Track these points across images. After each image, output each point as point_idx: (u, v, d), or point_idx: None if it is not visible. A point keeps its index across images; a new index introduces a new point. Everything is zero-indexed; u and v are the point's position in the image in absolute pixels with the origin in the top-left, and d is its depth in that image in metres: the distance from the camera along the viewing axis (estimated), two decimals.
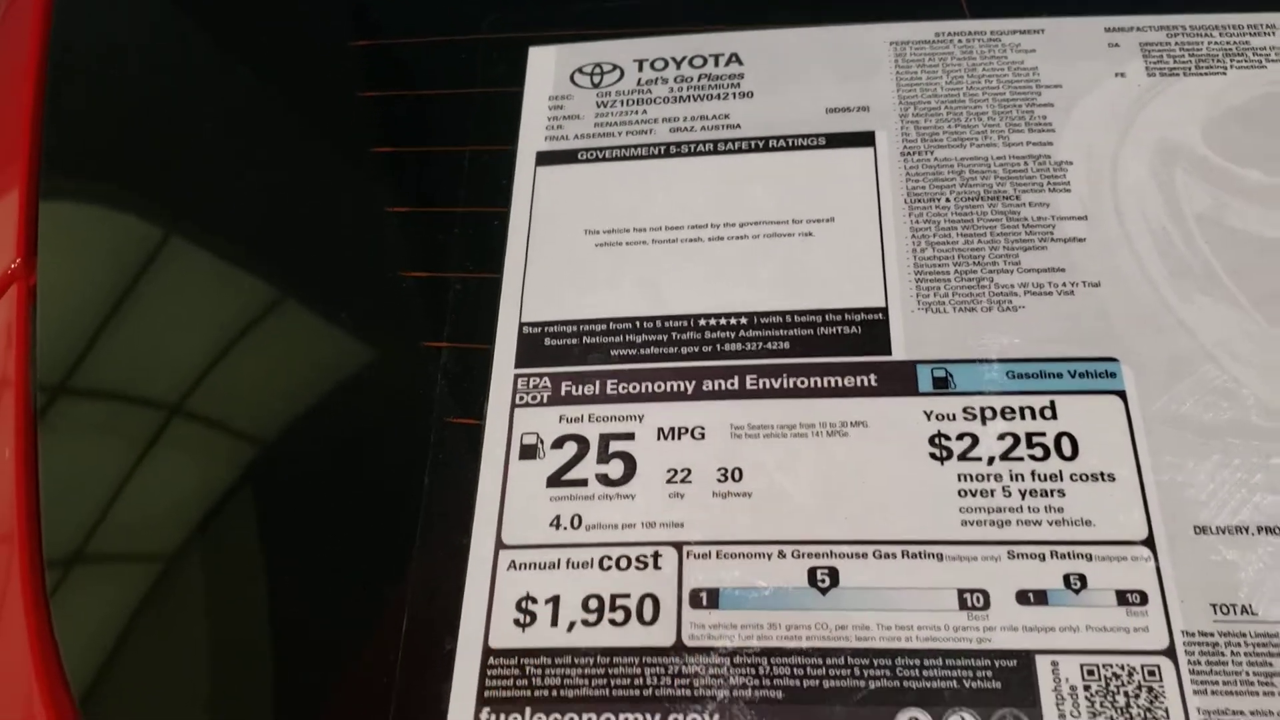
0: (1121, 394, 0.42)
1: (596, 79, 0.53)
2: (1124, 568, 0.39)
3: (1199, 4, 0.51)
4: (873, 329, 0.44)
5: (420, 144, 0.52)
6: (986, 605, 0.38)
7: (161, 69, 0.57)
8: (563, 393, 0.44)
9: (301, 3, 0.58)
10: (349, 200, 0.52)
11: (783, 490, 0.41)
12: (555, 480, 0.43)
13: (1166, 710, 0.36)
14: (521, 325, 0.46)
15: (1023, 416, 0.42)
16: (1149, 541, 0.39)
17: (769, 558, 0.40)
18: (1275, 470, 0.40)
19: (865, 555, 0.40)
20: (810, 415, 0.43)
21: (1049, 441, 0.41)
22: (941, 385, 0.43)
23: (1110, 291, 0.44)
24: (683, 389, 0.44)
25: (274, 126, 0.55)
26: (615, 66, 0.53)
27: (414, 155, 0.52)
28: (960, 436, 0.42)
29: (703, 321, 0.45)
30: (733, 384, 0.44)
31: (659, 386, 0.44)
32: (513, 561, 0.41)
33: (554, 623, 0.40)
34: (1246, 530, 0.39)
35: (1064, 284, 0.44)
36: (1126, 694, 0.37)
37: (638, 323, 0.46)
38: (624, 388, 0.44)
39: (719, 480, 0.42)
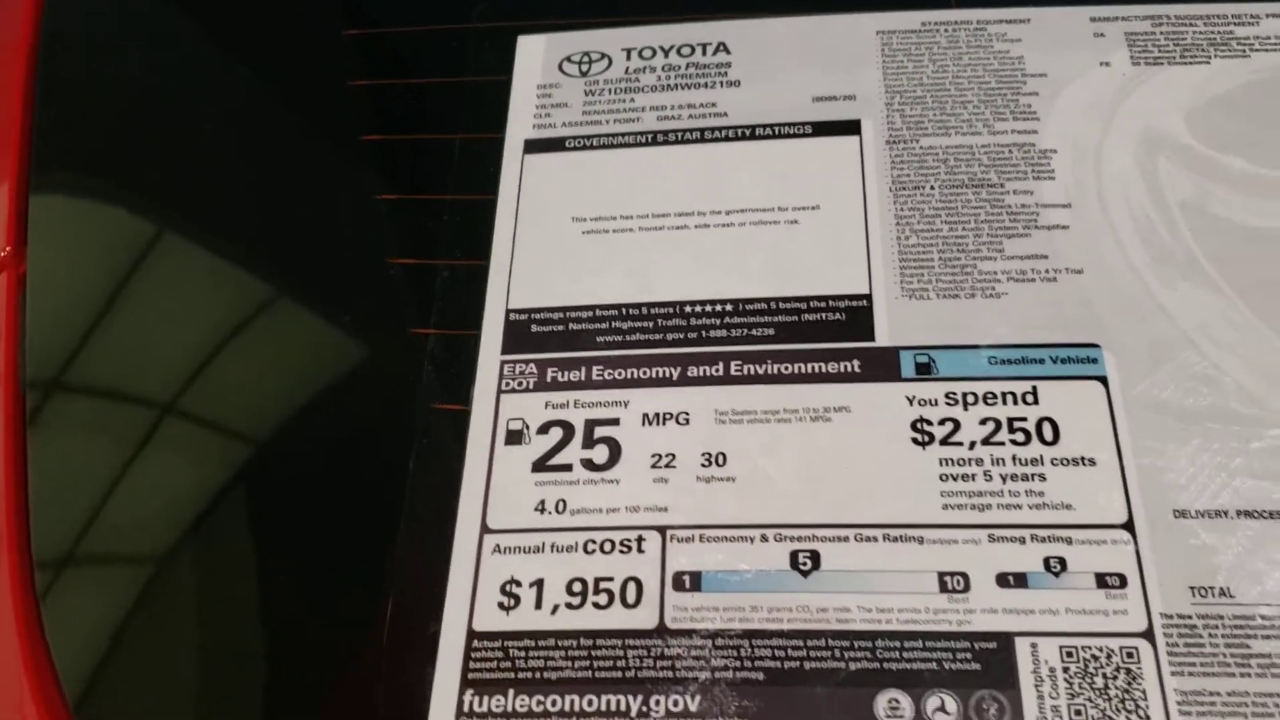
0: (1103, 379, 0.42)
1: (585, 68, 0.53)
2: (1104, 551, 0.39)
3: None
4: (857, 316, 0.45)
5: (409, 132, 0.53)
6: (966, 588, 0.39)
7: (152, 58, 0.57)
8: (549, 379, 0.45)
9: None
10: (338, 188, 0.52)
11: (766, 475, 0.42)
12: (540, 465, 0.43)
13: (1144, 692, 0.37)
14: (508, 312, 0.46)
15: (1004, 402, 0.42)
16: (1129, 525, 0.39)
17: (751, 541, 0.40)
18: (1254, 455, 0.40)
19: (847, 539, 0.40)
20: (794, 401, 0.43)
21: (1030, 426, 0.41)
22: (924, 371, 0.43)
23: (1093, 278, 0.44)
24: (668, 375, 0.44)
25: (265, 115, 0.55)
26: (603, 55, 0.53)
27: (403, 143, 0.52)
28: (942, 421, 0.42)
29: (689, 308, 0.46)
30: (718, 370, 0.44)
31: (644, 373, 0.44)
32: (497, 545, 0.41)
33: (538, 605, 0.40)
34: (1225, 514, 0.39)
35: (1047, 271, 0.45)
36: (1105, 675, 0.37)
37: (624, 310, 0.46)
38: (610, 374, 0.44)
39: (703, 465, 0.42)
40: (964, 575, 0.39)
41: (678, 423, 0.43)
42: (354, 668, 0.39)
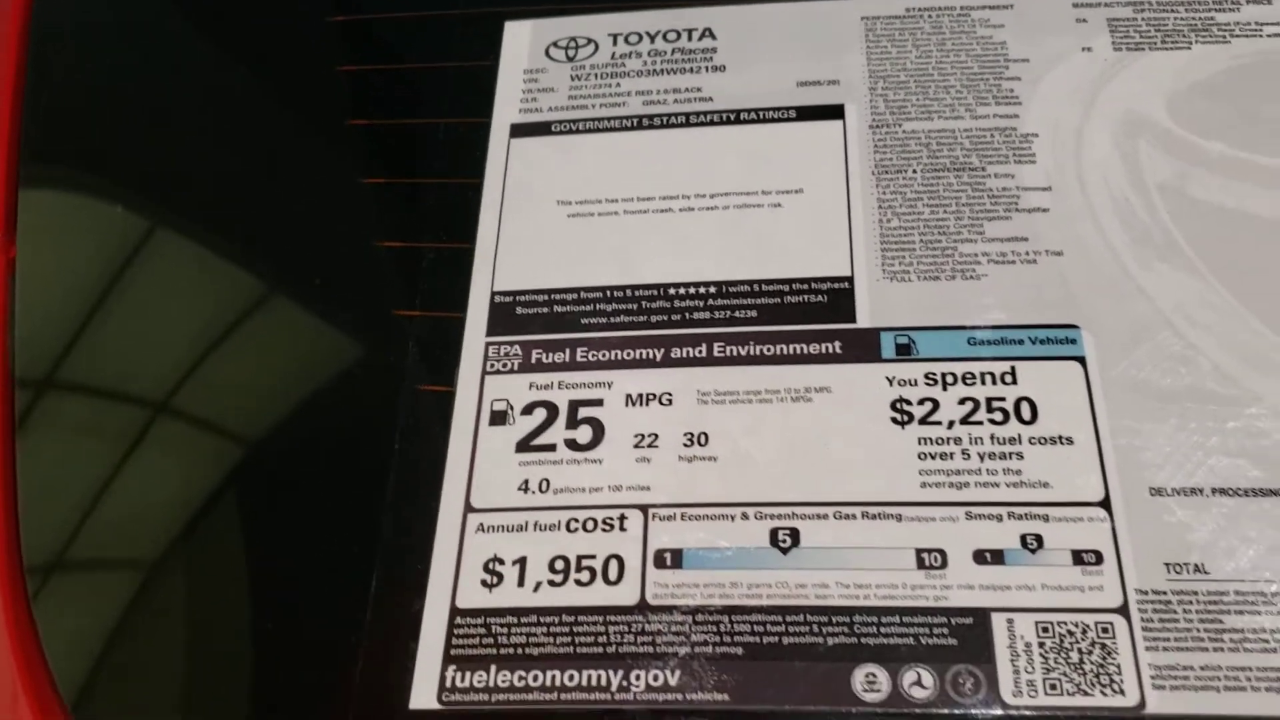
0: (1081, 360, 0.43)
1: (571, 53, 0.53)
2: (1080, 528, 0.39)
3: None
4: (838, 298, 0.45)
5: (396, 117, 0.53)
6: (944, 564, 0.39)
7: (139, 44, 0.57)
8: (533, 360, 0.45)
9: None
10: (325, 172, 0.52)
11: (747, 454, 0.42)
12: (524, 445, 0.43)
13: (1119, 666, 0.37)
14: (493, 294, 0.47)
15: (983, 382, 0.42)
16: (1105, 503, 0.40)
17: (732, 519, 0.41)
18: (1230, 434, 0.41)
19: (826, 516, 0.40)
20: (775, 381, 0.43)
21: (1009, 406, 0.42)
22: (904, 352, 0.43)
23: (1072, 260, 0.45)
24: (651, 356, 0.45)
25: (251, 101, 0.55)
26: (590, 40, 0.53)
27: (390, 128, 0.53)
28: (921, 401, 0.42)
29: (672, 291, 0.46)
30: (700, 351, 0.44)
31: (628, 354, 0.45)
32: (481, 524, 0.42)
33: (520, 583, 0.40)
34: (1201, 492, 0.40)
35: (1027, 253, 0.45)
36: (1080, 650, 0.37)
37: (608, 292, 0.46)
38: (593, 355, 0.45)
39: (685, 445, 0.42)
40: (941, 552, 0.39)
41: (660, 403, 0.43)
42: (337, 643, 0.40)
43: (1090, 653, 0.37)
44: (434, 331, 0.46)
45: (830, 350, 0.44)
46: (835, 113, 0.50)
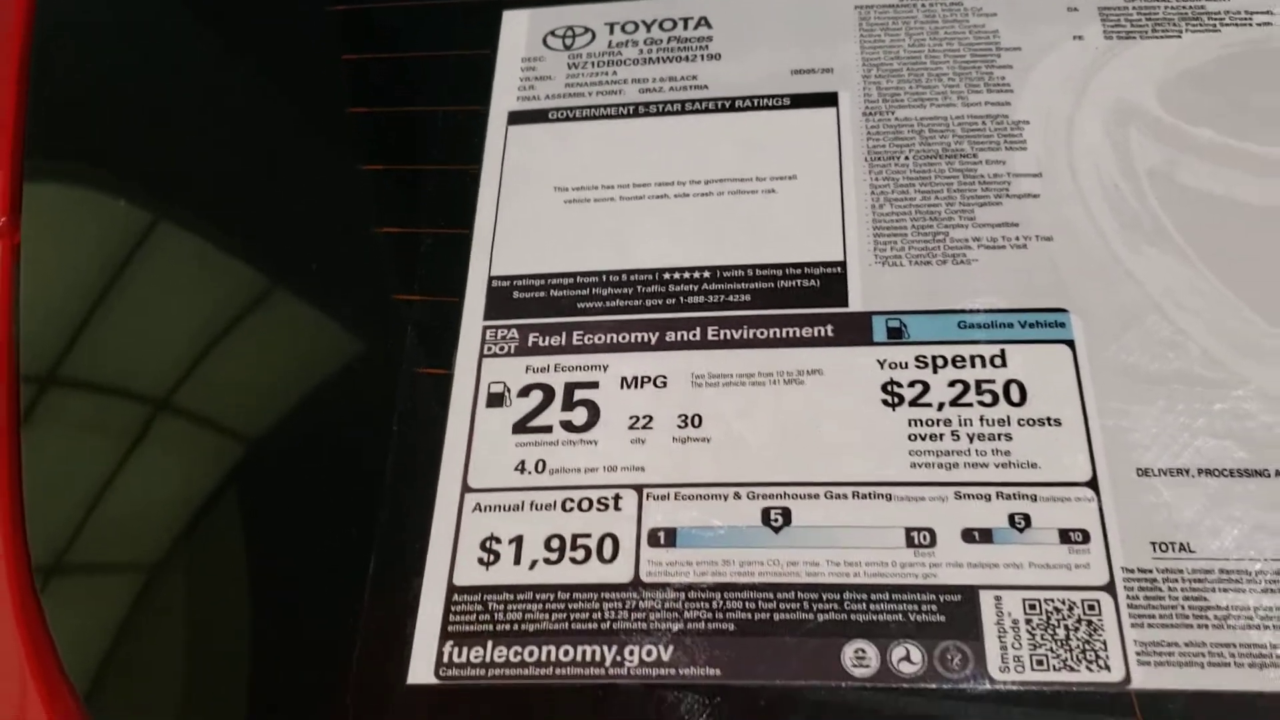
0: (1070, 343, 0.43)
1: (568, 41, 0.54)
2: (1068, 508, 0.40)
3: None
4: (831, 282, 0.45)
5: (396, 104, 0.53)
6: (933, 543, 0.40)
7: (140, 34, 0.58)
8: (530, 343, 0.46)
9: None
10: (325, 159, 0.53)
11: (740, 436, 0.43)
12: (521, 427, 0.44)
13: (1105, 642, 0.38)
14: (490, 279, 0.47)
15: (973, 365, 0.43)
16: (1092, 483, 0.40)
17: (725, 499, 0.41)
18: (1217, 416, 0.41)
19: (817, 496, 0.41)
20: (768, 364, 0.44)
21: (998, 388, 0.42)
22: (895, 335, 0.44)
23: (1061, 245, 0.45)
24: (646, 340, 0.45)
25: (254, 89, 0.56)
26: (587, 29, 0.54)
27: (390, 115, 0.53)
28: (912, 384, 0.43)
29: (667, 275, 0.47)
30: (694, 335, 0.45)
31: (623, 338, 0.45)
32: (478, 504, 0.42)
33: (516, 561, 0.41)
34: (1187, 473, 0.40)
35: (1017, 238, 0.46)
36: (1067, 627, 0.38)
37: (604, 277, 0.47)
38: (589, 339, 0.45)
39: (679, 426, 0.43)
40: (930, 531, 0.40)
41: (655, 386, 0.44)
42: (337, 619, 0.40)
43: (1076, 629, 0.38)
44: (432, 315, 0.47)
45: (823, 334, 0.44)
46: (829, 100, 0.50)
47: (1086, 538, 0.39)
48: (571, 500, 0.42)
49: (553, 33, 0.54)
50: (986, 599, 0.39)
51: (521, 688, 0.38)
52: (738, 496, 0.41)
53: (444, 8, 0.55)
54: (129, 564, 0.44)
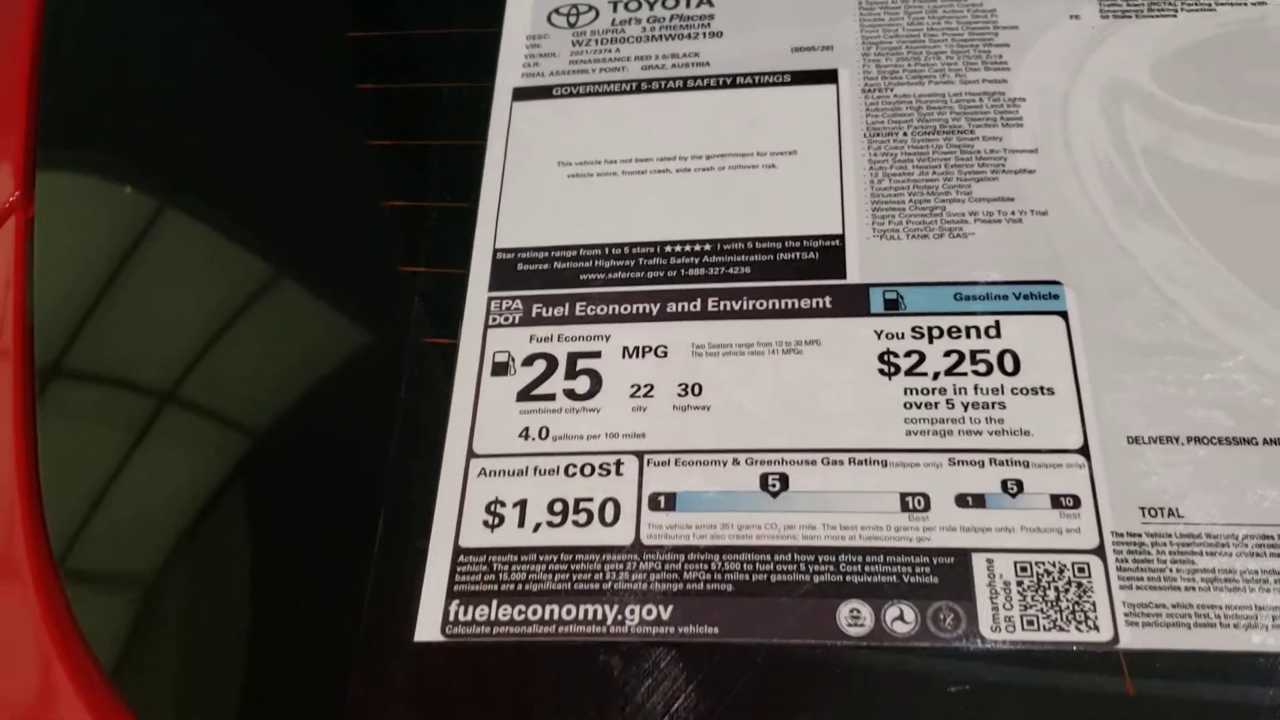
0: (1063, 314, 0.44)
1: (573, 19, 0.54)
2: (1059, 474, 0.41)
3: None
4: (829, 254, 0.46)
5: (403, 81, 0.54)
6: (927, 507, 0.41)
7: (148, 13, 0.59)
8: (533, 314, 0.47)
9: None
10: (333, 134, 0.54)
11: (739, 403, 0.44)
12: (525, 395, 0.45)
13: (1094, 604, 0.39)
14: (495, 251, 0.48)
15: (968, 335, 0.44)
16: (1084, 450, 0.41)
17: (724, 465, 0.42)
18: (1206, 386, 0.42)
19: (814, 462, 0.42)
20: (767, 335, 0.45)
21: (992, 358, 0.43)
22: (892, 307, 0.45)
23: (1056, 219, 0.46)
24: (648, 311, 0.46)
25: (263, 66, 0.57)
26: (591, 7, 0.55)
27: (397, 92, 0.54)
28: (908, 354, 0.44)
29: (669, 248, 0.47)
30: (695, 306, 0.46)
31: (625, 309, 0.46)
32: (483, 469, 0.43)
33: (520, 524, 0.42)
34: (1176, 440, 0.41)
35: (1013, 212, 0.46)
36: (1057, 589, 0.39)
37: (606, 249, 0.48)
38: (592, 310, 0.46)
39: (679, 395, 0.44)
40: (925, 496, 0.41)
41: (656, 355, 0.45)
42: (346, 578, 0.41)
43: (1067, 591, 0.39)
44: (438, 287, 0.48)
45: (821, 305, 0.45)
46: (829, 77, 0.51)
47: (1077, 503, 0.40)
48: (574, 466, 0.43)
49: (557, 10, 0.55)
50: (979, 561, 0.39)
51: (525, 645, 0.39)
52: (736, 463, 0.42)
53: None
54: (144, 535, 0.45)
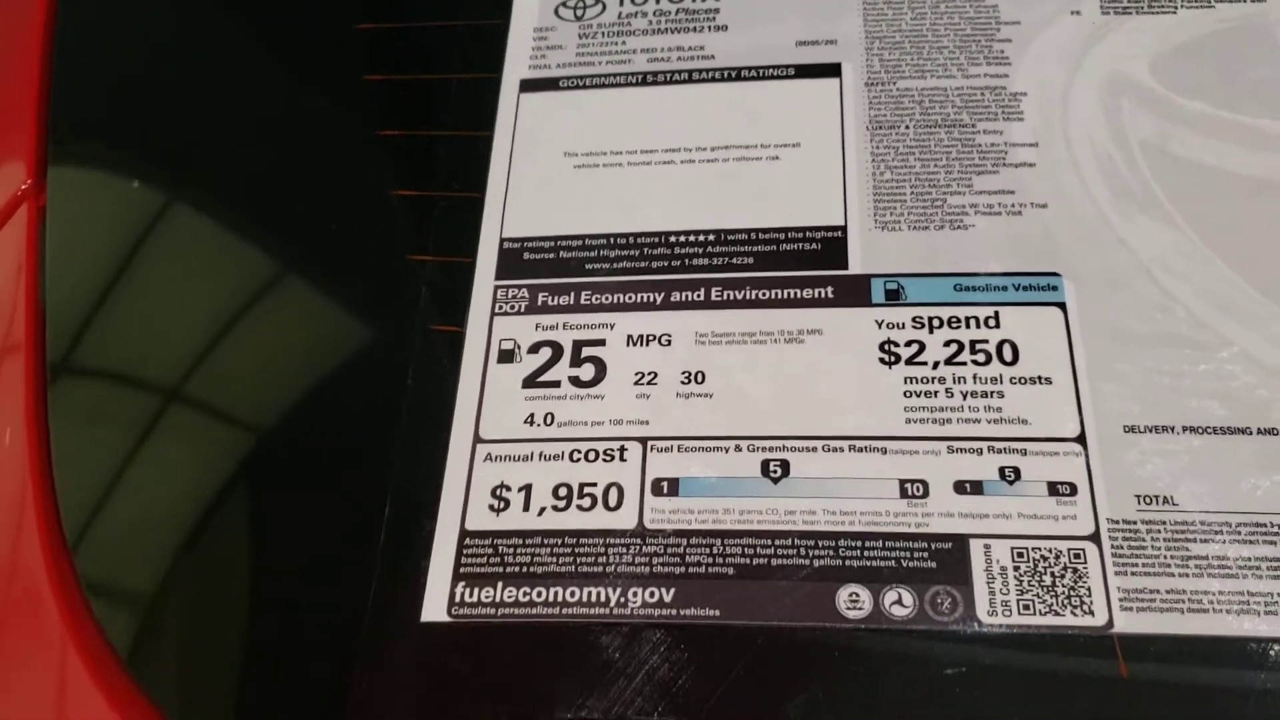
0: (1062, 305, 0.45)
1: (579, 12, 0.55)
2: (1056, 462, 0.42)
3: None
4: (832, 245, 0.47)
5: (411, 72, 0.55)
6: (925, 494, 0.41)
7: (161, 5, 0.59)
8: (539, 303, 0.47)
9: None
10: (344, 124, 0.55)
11: (742, 391, 0.44)
12: (530, 382, 0.46)
13: (1089, 589, 0.39)
14: (502, 240, 0.49)
15: (968, 325, 0.45)
16: (1081, 439, 0.42)
17: (726, 451, 0.43)
18: (1201, 376, 0.43)
19: (815, 449, 0.42)
20: (770, 324, 0.46)
21: (991, 348, 0.44)
22: (893, 297, 0.46)
23: (1056, 212, 0.47)
24: (652, 300, 0.47)
25: (273, 57, 0.57)
26: (598, 0, 0.55)
27: (406, 83, 0.55)
28: (908, 343, 0.44)
29: (673, 238, 0.48)
30: (699, 295, 0.47)
31: (630, 298, 0.47)
32: (489, 454, 0.44)
33: (525, 508, 0.43)
34: (1172, 430, 0.42)
35: (1013, 205, 0.47)
36: (1053, 574, 0.39)
37: (612, 239, 0.48)
38: (597, 298, 0.47)
39: (683, 382, 0.45)
40: (923, 482, 0.41)
41: (660, 344, 0.46)
42: (354, 561, 0.42)
43: (1062, 576, 0.39)
44: (446, 275, 0.49)
45: (823, 295, 0.46)
46: (833, 71, 0.52)
47: (1074, 490, 0.41)
48: (579, 451, 0.44)
49: (564, 3, 0.55)
50: (976, 547, 0.40)
51: (529, 626, 0.40)
52: (738, 449, 0.43)
53: None
54: (156, 522, 0.45)
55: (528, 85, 0.53)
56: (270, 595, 0.43)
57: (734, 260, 0.47)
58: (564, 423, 0.44)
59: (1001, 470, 0.42)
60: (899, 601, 0.39)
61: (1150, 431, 0.42)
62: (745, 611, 0.40)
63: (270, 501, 0.45)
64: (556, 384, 0.45)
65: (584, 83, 0.53)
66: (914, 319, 0.45)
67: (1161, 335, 0.44)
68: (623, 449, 0.43)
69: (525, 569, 0.41)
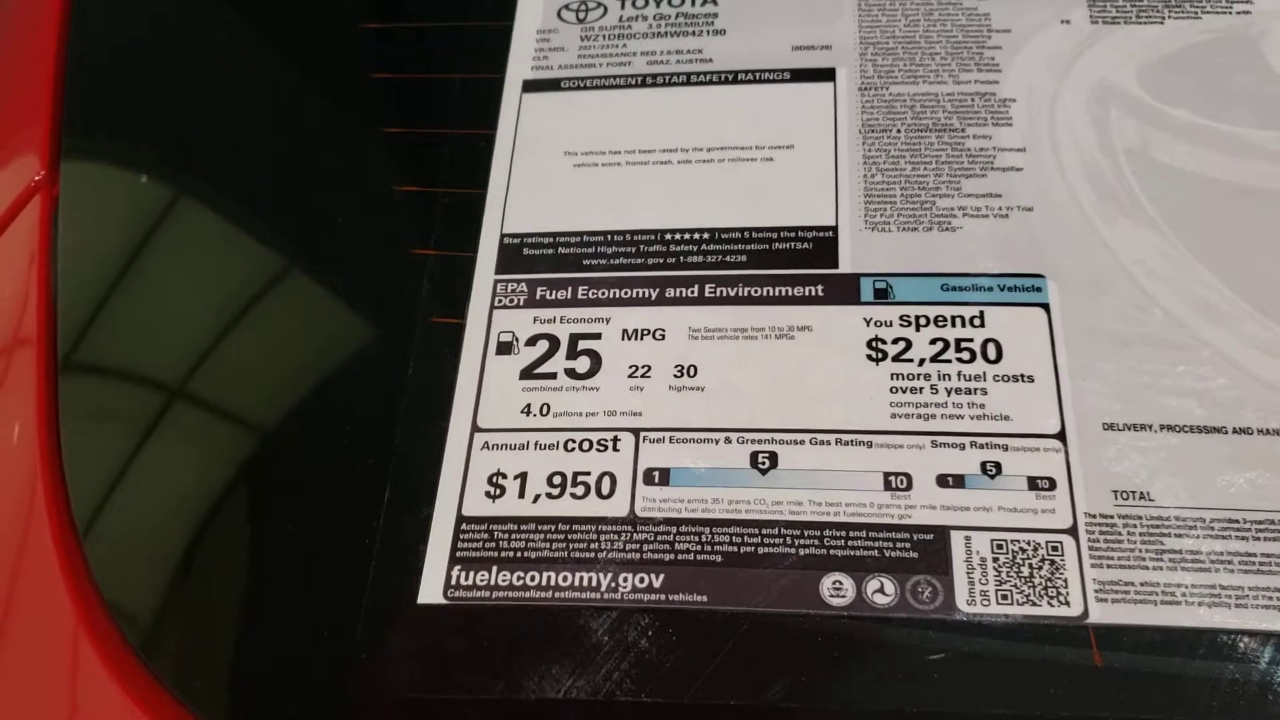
0: (1045, 306, 0.46)
1: (582, 15, 0.57)
2: (1036, 457, 0.43)
3: None
4: (823, 245, 0.48)
5: (417, 71, 0.57)
6: (909, 487, 0.42)
7: (171, 2, 0.61)
8: (538, 297, 0.49)
9: None
10: (351, 122, 0.56)
11: (732, 385, 0.45)
12: (527, 373, 0.47)
13: (1066, 580, 0.40)
14: (503, 236, 0.50)
15: (953, 324, 0.46)
16: (1061, 435, 0.43)
17: (716, 443, 0.44)
18: (1179, 376, 0.44)
19: (803, 442, 0.44)
20: (761, 320, 0.47)
21: (976, 347, 0.45)
22: (882, 296, 0.47)
23: (1041, 215, 0.48)
24: (647, 295, 0.48)
25: (282, 55, 0.59)
26: (599, 4, 0.57)
27: (411, 82, 0.56)
28: (895, 341, 0.46)
29: (668, 236, 0.49)
30: (693, 292, 0.48)
31: (625, 293, 0.48)
32: (486, 443, 0.45)
33: (521, 495, 0.44)
34: (1150, 428, 0.43)
35: (1000, 208, 0.48)
36: (1031, 566, 0.41)
37: (609, 236, 0.50)
38: (594, 293, 0.48)
39: (675, 376, 0.46)
40: (907, 475, 0.43)
41: (654, 338, 0.47)
42: (353, 544, 0.43)
43: (1040, 568, 0.41)
44: (447, 269, 0.50)
45: (813, 293, 0.47)
46: (827, 75, 0.53)
47: (1053, 485, 0.42)
48: (573, 441, 0.45)
49: (567, 6, 0.57)
50: (957, 538, 0.41)
51: (523, 608, 0.42)
52: (728, 441, 0.44)
53: None
54: (161, 506, 0.46)
55: (530, 85, 0.55)
56: (274, 577, 0.44)
57: (727, 258, 0.49)
58: (560, 413, 0.46)
59: (983, 465, 0.43)
60: (881, 590, 0.41)
61: (1129, 429, 0.43)
62: (732, 597, 0.41)
63: (275, 486, 0.46)
64: (553, 376, 0.47)
65: (585, 84, 0.54)
66: (901, 317, 0.46)
67: (1142, 336, 0.45)
68: (616, 439, 0.45)
69: (519, 554, 0.43)
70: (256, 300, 0.51)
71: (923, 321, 0.46)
